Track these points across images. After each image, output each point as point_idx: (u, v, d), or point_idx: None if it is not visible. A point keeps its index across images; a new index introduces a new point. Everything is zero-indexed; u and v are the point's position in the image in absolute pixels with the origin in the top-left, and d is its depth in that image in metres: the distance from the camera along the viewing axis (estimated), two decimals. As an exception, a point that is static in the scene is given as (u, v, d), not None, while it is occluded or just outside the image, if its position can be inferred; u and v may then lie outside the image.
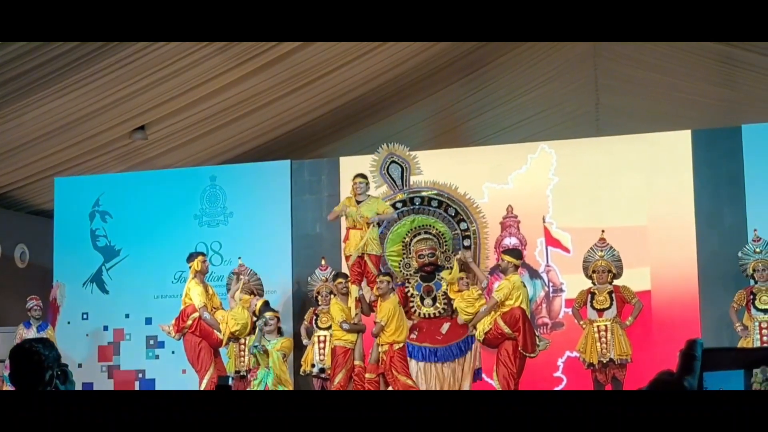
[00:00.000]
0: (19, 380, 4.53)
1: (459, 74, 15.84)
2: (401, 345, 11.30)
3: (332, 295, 12.07)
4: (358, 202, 11.69)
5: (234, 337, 12.29)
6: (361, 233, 11.65)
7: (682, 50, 15.20)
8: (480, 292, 11.59)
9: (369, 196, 11.81)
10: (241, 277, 12.71)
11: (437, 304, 11.93)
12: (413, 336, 11.71)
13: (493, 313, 11.24)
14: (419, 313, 11.90)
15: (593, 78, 16.79)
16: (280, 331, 11.89)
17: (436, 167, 12.71)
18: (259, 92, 14.24)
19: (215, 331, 12.15)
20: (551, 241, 13.13)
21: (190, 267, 12.46)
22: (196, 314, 12.15)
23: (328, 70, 14.13)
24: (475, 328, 11.41)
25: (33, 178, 15.41)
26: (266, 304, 12.15)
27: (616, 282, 11.98)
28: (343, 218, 12.02)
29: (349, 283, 11.73)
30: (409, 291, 12.00)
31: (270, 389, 11.06)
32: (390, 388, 11.32)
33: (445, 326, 11.82)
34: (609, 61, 16.29)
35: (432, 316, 11.94)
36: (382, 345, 11.30)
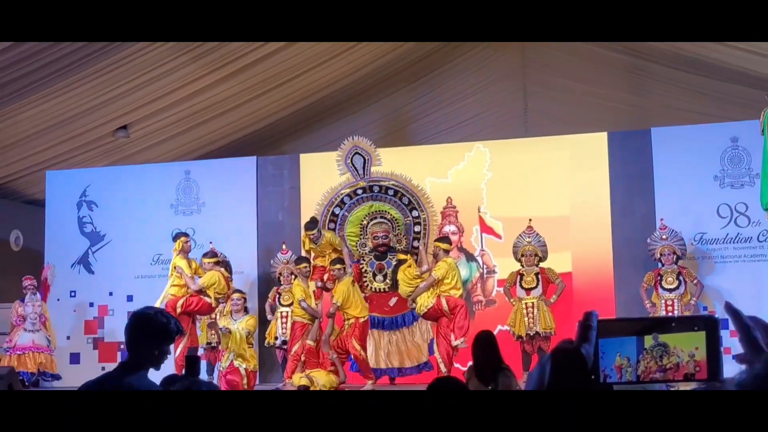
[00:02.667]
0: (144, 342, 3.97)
1: (406, 81, 15.90)
2: (365, 318, 11.33)
3: (293, 276, 12.08)
4: (314, 242, 11.73)
5: (220, 296, 12.04)
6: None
7: (600, 62, 15.33)
8: (418, 273, 11.65)
9: (322, 234, 11.83)
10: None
11: (387, 281, 12.03)
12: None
13: (433, 290, 11.31)
14: (371, 288, 12.01)
15: (522, 86, 16.89)
16: (246, 310, 11.86)
17: (386, 163, 12.73)
18: (230, 96, 14.20)
19: (204, 297, 11.96)
20: (485, 228, 13.21)
21: (175, 245, 12.34)
22: (181, 300, 11.95)
23: (290, 77, 14.12)
24: (414, 302, 11.47)
25: (27, 171, 15.25)
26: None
27: (542, 264, 12.05)
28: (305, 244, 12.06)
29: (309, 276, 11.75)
30: (363, 268, 12.08)
31: (235, 364, 11.05)
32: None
33: (393, 300, 11.95)
34: (536, 71, 16.40)
35: (382, 290, 12.04)
36: (348, 319, 11.28)
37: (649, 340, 1.71)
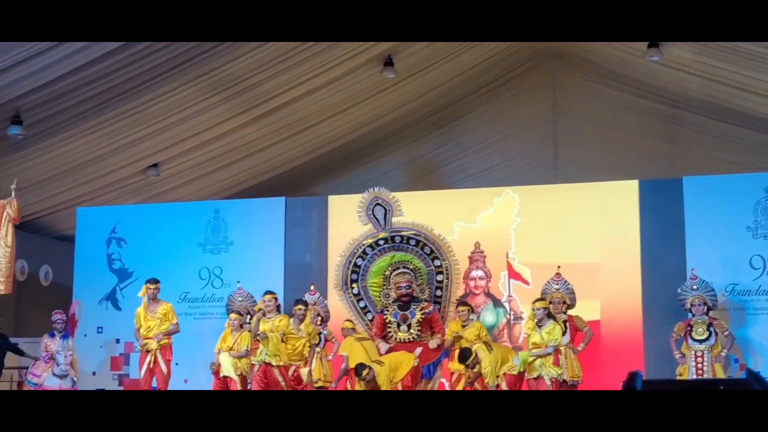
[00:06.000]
0: None
1: (436, 125, 15.88)
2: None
3: (320, 318, 12.08)
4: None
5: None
6: None
7: (631, 109, 15.24)
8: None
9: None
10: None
11: (411, 330, 11.80)
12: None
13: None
14: (395, 338, 11.73)
15: (552, 132, 16.81)
16: (278, 309, 11.78)
17: (414, 207, 12.61)
18: (260, 137, 14.24)
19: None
20: (513, 274, 13.05)
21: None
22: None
23: (319, 119, 14.16)
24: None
25: (58, 208, 15.31)
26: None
27: (570, 312, 11.86)
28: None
29: None
30: (387, 318, 11.86)
31: (267, 360, 11.04)
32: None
33: (418, 350, 11.64)
34: (566, 117, 16.32)
35: (407, 340, 11.80)
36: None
37: None
